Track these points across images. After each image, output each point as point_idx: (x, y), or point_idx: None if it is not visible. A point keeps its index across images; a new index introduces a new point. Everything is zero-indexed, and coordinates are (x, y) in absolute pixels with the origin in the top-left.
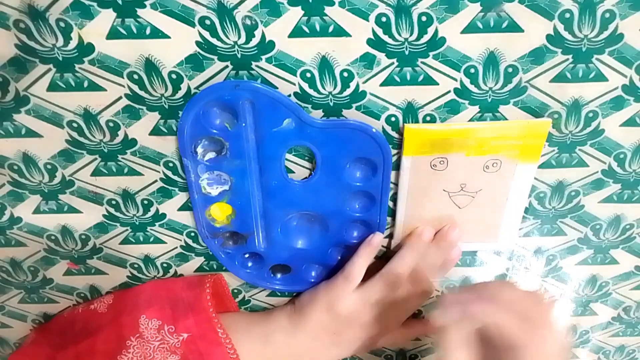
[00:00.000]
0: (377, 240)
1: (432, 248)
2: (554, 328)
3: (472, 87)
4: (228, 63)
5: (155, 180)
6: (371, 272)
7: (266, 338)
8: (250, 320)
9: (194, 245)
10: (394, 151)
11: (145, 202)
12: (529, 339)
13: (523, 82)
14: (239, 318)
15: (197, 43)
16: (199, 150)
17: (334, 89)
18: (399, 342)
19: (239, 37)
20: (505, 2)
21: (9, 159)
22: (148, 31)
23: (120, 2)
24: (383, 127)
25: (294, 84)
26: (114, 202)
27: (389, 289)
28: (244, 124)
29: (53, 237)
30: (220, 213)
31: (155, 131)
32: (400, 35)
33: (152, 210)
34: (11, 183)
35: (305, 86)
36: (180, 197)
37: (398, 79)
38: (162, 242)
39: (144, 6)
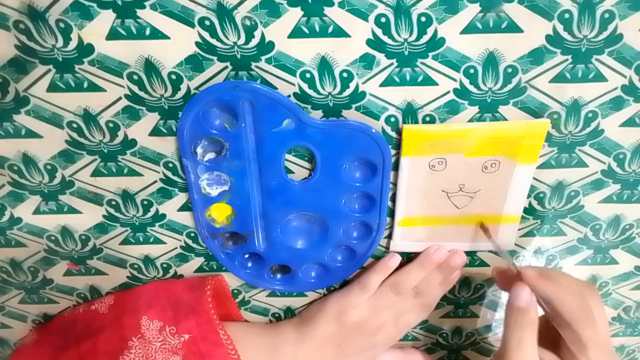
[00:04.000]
0: (394, 263)
1: (436, 269)
2: (605, 314)
3: (471, 88)
4: (228, 64)
5: (155, 181)
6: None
7: (273, 350)
8: (257, 332)
9: (194, 245)
10: (393, 152)
11: (145, 202)
12: (580, 318)
13: (522, 83)
14: (246, 329)
15: (197, 44)
16: (199, 150)
17: (334, 89)
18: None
19: (239, 38)
20: (505, 2)
21: (9, 159)
22: (148, 32)
23: (120, 2)
24: (383, 128)
25: (294, 85)
26: (113, 203)
27: (394, 298)
28: (243, 125)
29: (53, 238)
30: (220, 213)
31: (155, 132)
32: (399, 35)
33: (152, 210)
34: (11, 184)
35: (305, 87)
36: (180, 198)
37: (397, 80)
38: (162, 242)
39: (144, 7)
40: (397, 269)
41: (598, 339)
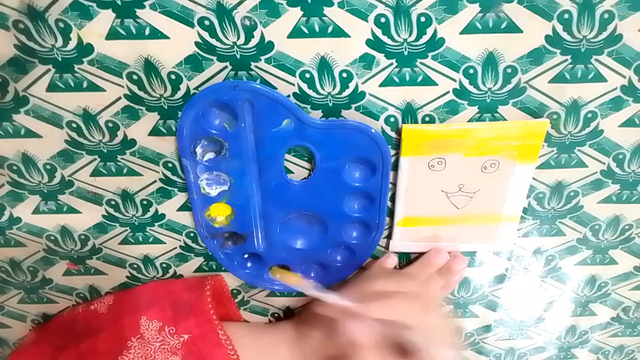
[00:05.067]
0: (391, 263)
1: (437, 273)
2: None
3: (471, 88)
4: (227, 63)
5: (155, 181)
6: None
7: (272, 349)
8: (256, 331)
9: (193, 245)
10: (393, 152)
11: (145, 202)
12: (418, 319)
13: (522, 83)
14: (246, 329)
15: (197, 43)
16: (198, 150)
17: (333, 89)
18: None
19: (238, 38)
20: (504, 2)
21: (9, 159)
22: (147, 32)
23: (119, 2)
24: (382, 128)
25: (293, 85)
26: (113, 203)
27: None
28: (243, 125)
29: (52, 238)
30: (220, 213)
31: (155, 131)
32: (399, 35)
33: (152, 210)
34: (10, 183)
35: (305, 87)
36: (180, 198)
37: (397, 80)
38: (161, 242)
39: (143, 7)
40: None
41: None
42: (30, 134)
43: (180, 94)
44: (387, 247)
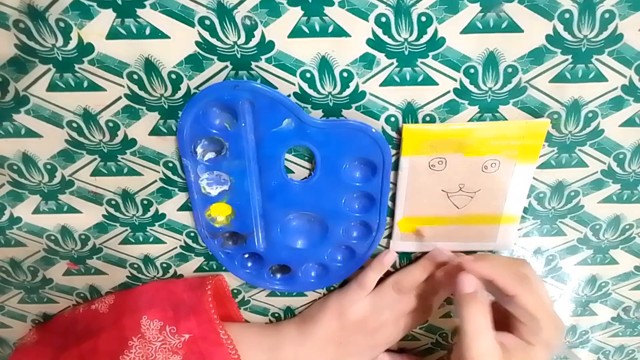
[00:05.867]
0: (389, 259)
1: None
2: (541, 282)
3: (471, 88)
4: (228, 63)
5: (155, 181)
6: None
7: (274, 349)
8: (257, 331)
9: (194, 245)
10: (393, 151)
11: (145, 202)
12: (521, 288)
13: (523, 83)
14: (246, 329)
15: (197, 43)
16: (199, 150)
17: (334, 89)
18: None
19: (239, 37)
20: (505, 2)
21: (9, 159)
22: (148, 31)
23: (120, 2)
24: (383, 127)
25: (294, 84)
26: (113, 202)
27: (395, 298)
28: (243, 124)
29: (53, 237)
30: (220, 213)
31: (155, 131)
32: (399, 35)
33: (152, 210)
34: (11, 183)
35: (305, 86)
36: (180, 197)
37: (398, 79)
38: (161, 242)
39: (144, 6)
40: (400, 269)
41: (543, 305)
42: (30, 133)
43: (180, 93)
44: (387, 247)
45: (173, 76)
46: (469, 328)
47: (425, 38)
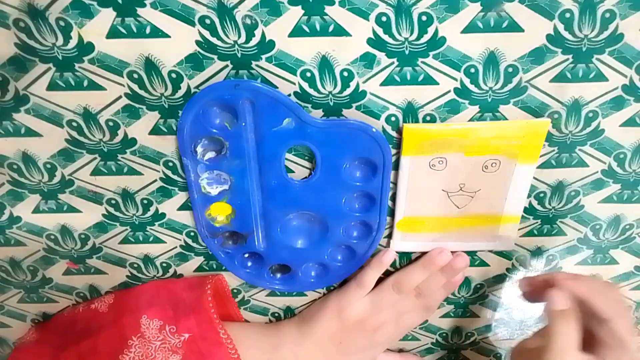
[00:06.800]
0: (388, 258)
1: (439, 271)
2: (627, 307)
3: (472, 87)
4: (228, 62)
5: (155, 180)
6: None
7: (274, 349)
8: (257, 331)
9: (194, 244)
10: (394, 151)
11: (145, 201)
12: (615, 313)
13: (523, 82)
14: (246, 328)
15: (197, 42)
16: (199, 149)
17: (334, 88)
18: None
19: (239, 37)
20: (506, 1)
21: (9, 158)
22: (148, 30)
23: (120, 1)
24: (383, 127)
25: (294, 84)
26: (113, 202)
27: (395, 297)
28: (243, 124)
29: (52, 237)
30: (220, 213)
31: (155, 130)
32: (400, 34)
33: (152, 209)
34: (11, 182)
35: (305, 86)
36: (180, 197)
37: (398, 79)
38: (161, 241)
39: (144, 5)
40: (400, 268)
41: (633, 333)
42: (30, 132)
43: (180, 92)
44: (387, 247)
45: (173, 75)
46: (557, 345)
47: (426, 37)
